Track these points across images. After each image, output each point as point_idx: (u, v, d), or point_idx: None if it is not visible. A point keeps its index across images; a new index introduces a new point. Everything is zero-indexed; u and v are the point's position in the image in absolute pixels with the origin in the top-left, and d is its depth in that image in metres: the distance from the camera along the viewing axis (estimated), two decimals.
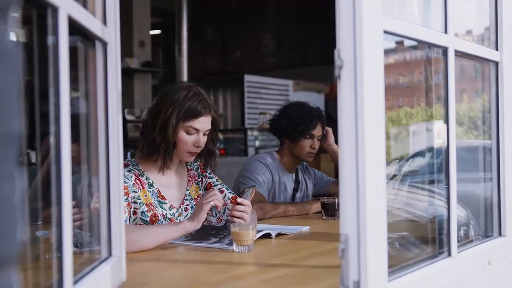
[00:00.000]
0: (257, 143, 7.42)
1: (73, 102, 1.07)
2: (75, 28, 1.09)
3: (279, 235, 2.19)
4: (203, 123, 2.21)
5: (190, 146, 2.21)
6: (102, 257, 1.34)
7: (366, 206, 1.15)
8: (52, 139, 0.99)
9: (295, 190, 3.12)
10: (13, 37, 0.59)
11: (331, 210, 2.64)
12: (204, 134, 2.23)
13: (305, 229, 2.35)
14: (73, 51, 1.06)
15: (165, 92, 2.23)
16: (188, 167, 2.41)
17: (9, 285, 0.56)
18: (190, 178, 2.38)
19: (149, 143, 2.21)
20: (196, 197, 2.37)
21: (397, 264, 1.34)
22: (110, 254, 1.36)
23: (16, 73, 0.56)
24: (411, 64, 1.87)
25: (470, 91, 2.12)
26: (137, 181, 2.18)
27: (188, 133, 2.19)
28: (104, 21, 1.34)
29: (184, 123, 2.18)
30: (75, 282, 1.07)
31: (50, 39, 0.99)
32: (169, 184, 2.30)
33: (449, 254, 1.50)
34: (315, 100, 5.88)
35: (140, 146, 2.24)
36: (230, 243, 1.91)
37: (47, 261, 1.31)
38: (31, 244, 1.35)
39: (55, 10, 0.98)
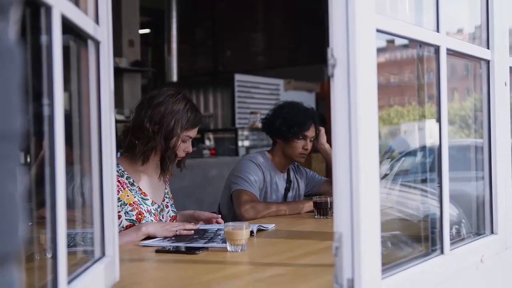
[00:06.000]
0: (248, 143, 7.40)
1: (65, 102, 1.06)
2: (67, 27, 1.08)
3: (258, 231, 2.23)
4: (196, 131, 2.33)
5: (181, 153, 2.30)
6: (96, 257, 1.33)
7: (360, 204, 1.15)
8: (45, 140, 0.99)
9: (287, 189, 3.12)
10: (14, 36, 0.59)
11: (323, 209, 2.65)
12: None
13: (270, 226, 2.37)
14: (65, 51, 1.05)
15: (161, 101, 2.24)
16: None
17: (12, 282, 0.57)
18: (167, 179, 2.46)
19: (150, 149, 2.24)
20: (170, 197, 2.46)
21: (390, 262, 1.34)
22: (103, 254, 1.35)
23: (17, 72, 0.56)
24: (402, 63, 1.87)
25: (461, 90, 2.13)
26: (117, 182, 2.18)
27: (184, 141, 2.28)
28: (97, 20, 1.33)
29: (184, 133, 2.26)
30: (69, 282, 1.07)
31: (43, 38, 0.99)
32: (149, 183, 2.35)
33: (442, 252, 1.51)
34: (306, 99, 5.88)
35: (139, 151, 2.24)
36: (224, 241, 1.91)
37: (38, 261, 1.30)
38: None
39: (48, 9, 0.97)
